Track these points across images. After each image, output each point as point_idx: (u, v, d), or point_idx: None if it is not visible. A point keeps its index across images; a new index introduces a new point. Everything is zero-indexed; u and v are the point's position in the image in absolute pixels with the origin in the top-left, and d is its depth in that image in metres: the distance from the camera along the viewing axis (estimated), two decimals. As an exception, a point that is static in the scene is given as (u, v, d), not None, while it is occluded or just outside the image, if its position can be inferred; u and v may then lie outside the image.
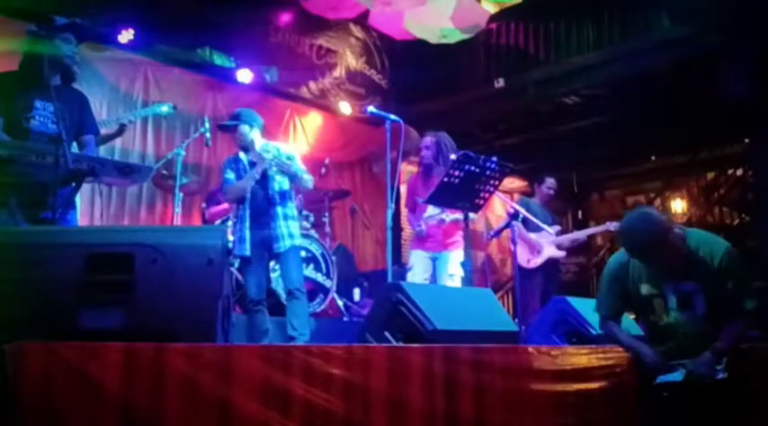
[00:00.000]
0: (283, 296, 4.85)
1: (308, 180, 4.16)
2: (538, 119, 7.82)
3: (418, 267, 4.47)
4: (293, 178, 4.08)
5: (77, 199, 3.15)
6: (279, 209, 4.04)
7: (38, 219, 2.92)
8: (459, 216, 4.45)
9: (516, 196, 8.34)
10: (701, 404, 2.51)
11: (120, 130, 3.69)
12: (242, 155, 4.14)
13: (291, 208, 4.13)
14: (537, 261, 5.48)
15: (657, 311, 2.76)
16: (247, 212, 4.01)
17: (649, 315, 2.82)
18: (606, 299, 2.89)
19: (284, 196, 4.09)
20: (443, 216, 4.43)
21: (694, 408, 2.52)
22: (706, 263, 2.63)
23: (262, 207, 4.02)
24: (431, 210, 4.52)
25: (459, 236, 4.56)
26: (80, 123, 3.27)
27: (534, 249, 5.51)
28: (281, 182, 4.07)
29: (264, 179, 4.04)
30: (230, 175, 4.10)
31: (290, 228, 4.05)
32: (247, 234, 3.98)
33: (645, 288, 2.76)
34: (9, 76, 3.16)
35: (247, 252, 3.96)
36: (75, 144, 3.26)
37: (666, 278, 2.72)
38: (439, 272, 4.47)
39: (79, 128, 3.27)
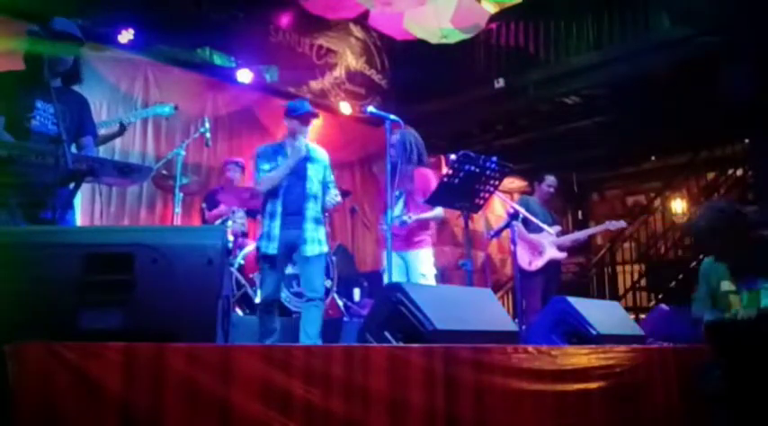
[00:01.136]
0: (283, 296, 4.87)
1: (335, 195, 4.06)
2: (538, 119, 7.82)
3: (392, 268, 4.41)
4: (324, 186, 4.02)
5: (77, 199, 3.15)
6: (311, 212, 3.92)
7: (38, 219, 2.92)
8: (425, 216, 4.38)
9: (516, 196, 8.34)
10: None
11: (121, 131, 3.69)
12: (289, 148, 3.99)
13: (321, 214, 4.03)
14: (538, 264, 5.46)
15: (732, 307, 2.81)
16: (279, 208, 3.87)
17: (725, 313, 2.85)
18: (697, 300, 2.98)
19: (317, 200, 3.99)
20: (405, 218, 4.36)
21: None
22: None
23: (295, 205, 3.89)
24: (397, 211, 4.45)
25: (426, 235, 4.45)
26: (79, 125, 3.28)
27: (536, 250, 5.50)
28: (318, 186, 3.98)
29: (303, 176, 3.93)
30: (265, 166, 3.94)
31: (319, 234, 3.93)
32: (278, 231, 3.83)
33: (725, 285, 2.84)
34: (12, 76, 3.16)
35: (275, 251, 3.81)
36: (74, 145, 3.26)
37: (742, 273, 2.77)
38: (410, 272, 4.40)
39: (78, 130, 3.27)
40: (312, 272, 3.88)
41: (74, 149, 3.22)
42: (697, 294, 3.01)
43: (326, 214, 5.87)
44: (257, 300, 4.88)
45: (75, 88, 3.36)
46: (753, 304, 2.70)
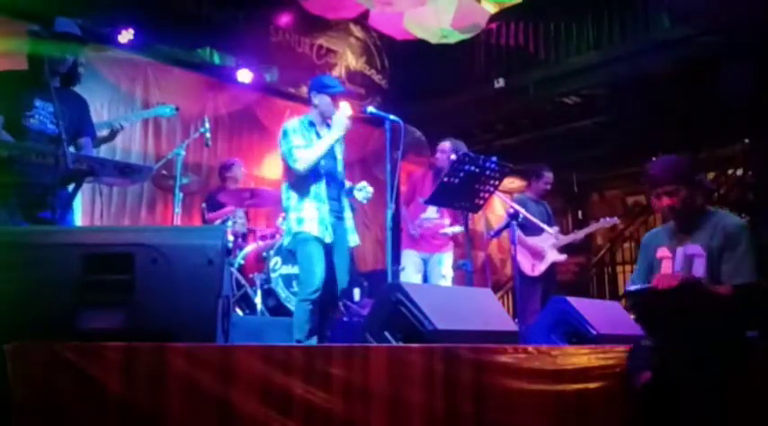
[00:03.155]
0: (283, 296, 4.88)
1: (366, 184, 3.80)
2: (538, 119, 7.82)
3: (410, 267, 4.46)
4: None
5: (77, 199, 3.15)
6: (346, 198, 3.75)
7: (37, 219, 2.93)
8: (457, 229, 4.47)
9: (515, 196, 8.32)
10: (696, 402, 2.51)
11: (113, 134, 3.62)
12: (319, 125, 3.73)
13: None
14: (541, 268, 5.44)
15: (663, 272, 2.82)
16: (325, 191, 3.58)
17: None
18: (634, 271, 3.02)
19: (344, 184, 3.81)
20: (446, 230, 4.44)
21: (687, 406, 2.52)
22: (722, 224, 2.70)
23: (335, 190, 3.67)
24: (430, 213, 4.52)
25: (449, 238, 4.58)
26: (78, 126, 3.28)
27: (537, 255, 5.48)
28: (344, 168, 3.80)
29: (335, 158, 3.72)
30: (300, 142, 3.57)
31: (353, 223, 3.74)
32: (329, 217, 3.56)
33: (660, 251, 2.87)
34: (13, 75, 3.17)
35: (332, 239, 3.54)
36: (72, 147, 3.26)
37: (683, 235, 2.81)
38: (431, 273, 4.47)
39: (77, 131, 3.28)
40: (344, 269, 3.64)
41: (72, 150, 3.23)
42: (636, 267, 3.05)
43: None
44: (257, 300, 4.88)
45: (76, 89, 3.36)
46: (685, 270, 2.74)
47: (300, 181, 3.59)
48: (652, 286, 2.63)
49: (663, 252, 2.87)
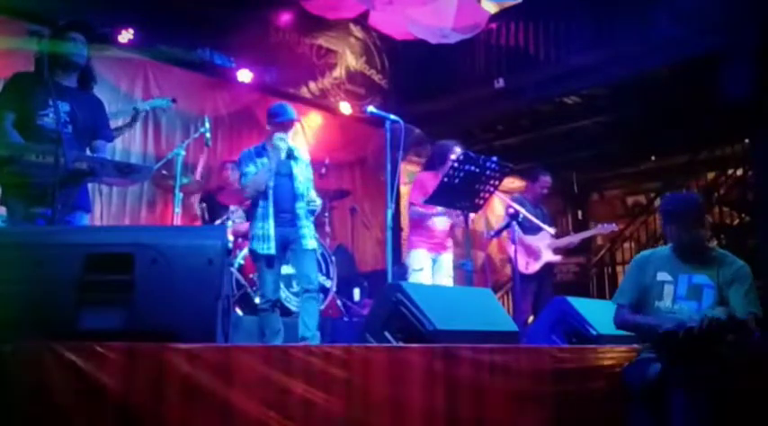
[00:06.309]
0: (283, 296, 4.88)
1: (314, 197, 4.04)
2: (538, 119, 7.82)
3: (425, 266, 4.48)
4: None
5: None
6: (302, 210, 3.96)
7: (37, 219, 2.93)
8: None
9: (513, 196, 8.32)
10: (705, 405, 2.51)
11: (135, 118, 3.67)
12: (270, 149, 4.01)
13: (310, 211, 4.07)
14: (535, 267, 5.42)
15: (665, 297, 2.89)
16: (271, 209, 3.88)
17: (656, 301, 2.91)
18: (625, 288, 3.03)
19: (305, 198, 4.02)
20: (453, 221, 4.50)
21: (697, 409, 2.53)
22: (728, 261, 2.87)
23: (286, 204, 3.93)
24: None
25: (450, 239, 4.65)
26: (94, 128, 3.29)
27: (533, 254, 5.46)
28: (304, 185, 4.01)
29: (289, 175, 3.97)
30: (250, 169, 3.95)
31: (311, 229, 3.99)
32: (272, 232, 3.85)
33: (661, 275, 2.93)
34: (30, 75, 3.17)
35: (273, 251, 3.84)
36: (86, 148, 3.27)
37: (685, 263, 2.90)
38: (437, 273, 4.48)
39: (93, 132, 3.29)
40: (308, 265, 3.91)
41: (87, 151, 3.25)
42: (622, 283, 3.09)
43: (326, 214, 5.88)
44: (257, 300, 4.88)
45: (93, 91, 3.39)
46: (693, 297, 2.83)
47: (253, 202, 3.96)
48: (690, 326, 2.62)
49: (664, 275, 2.93)
